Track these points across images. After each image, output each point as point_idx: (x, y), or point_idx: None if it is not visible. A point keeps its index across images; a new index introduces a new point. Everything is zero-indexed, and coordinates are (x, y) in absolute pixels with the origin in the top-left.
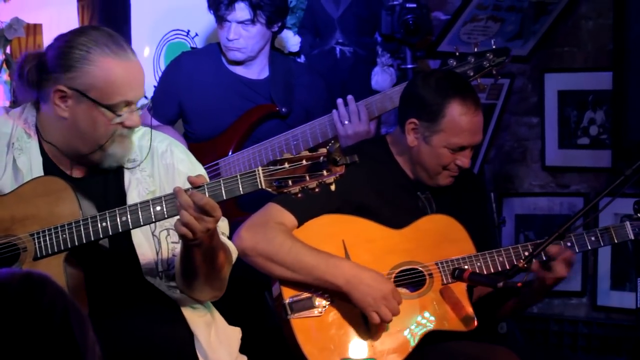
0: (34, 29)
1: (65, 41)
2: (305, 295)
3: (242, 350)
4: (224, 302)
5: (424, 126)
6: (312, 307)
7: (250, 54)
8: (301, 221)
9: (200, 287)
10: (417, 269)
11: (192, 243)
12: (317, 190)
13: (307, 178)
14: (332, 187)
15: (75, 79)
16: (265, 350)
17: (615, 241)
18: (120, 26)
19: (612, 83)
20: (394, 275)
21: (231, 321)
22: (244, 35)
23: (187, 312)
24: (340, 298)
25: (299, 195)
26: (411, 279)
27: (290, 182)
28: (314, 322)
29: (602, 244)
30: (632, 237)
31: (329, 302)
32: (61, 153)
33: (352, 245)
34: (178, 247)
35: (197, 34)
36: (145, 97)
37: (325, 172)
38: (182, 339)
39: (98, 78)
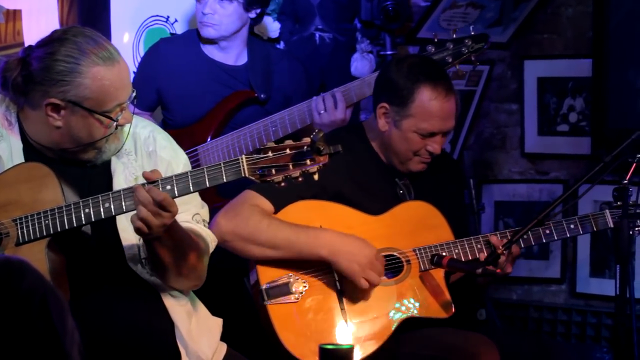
0: (14, 15)
1: (50, 53)
2: (282, 281)
3: (223, 338)
4: (204, 290)
5: (395, 110)
6: (289, 293)
7: (223, 33)
8: (277, 207)
9: (173, 278)
10: (395, 255)
11: (149, 237)
12: (300, 179)
13: (291, 167)
14: (316, 177)
15: (67, 92)
16: (245, 337)
17: (595, 229)
18: (99, 12)
19: (592, 70)
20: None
21: (212, 309)
22: (220, 12)
23: (168, 301)
24: (317, 282)
25: (282, 184)
26: (389, 266)
27: (273, 171)
28: (291, 308)
29: (581, 232)
30: (612, 225)
31: (306, 288)
32: (48, 149)
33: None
34: None
35: (176, 20)
36: (133, 90)
37: (308, 162)
38: (163, 329)
39: (91, 89)
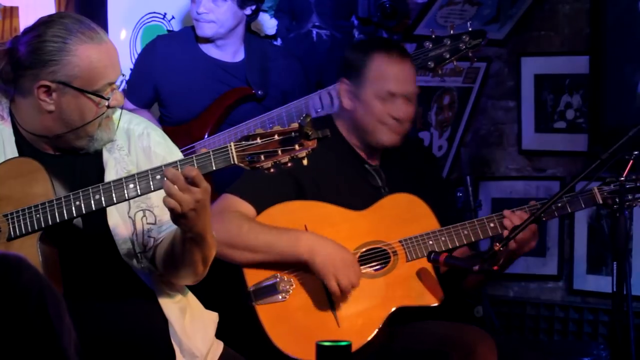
0: (10, 12)
1: (37, 35)
2: (269, 281)
3: (219, 334)
4: (200, 285)
5: (354, 83)
6: (276, 292)
7: (219, 30)
8: (258, 208)
9: (191, 276)
10: (381, 248)
11: (182, 221)
12: (289, 164)
13: (280, 153)
14: (305, 162)
15: (57, 72)
16: (242, 333)
17: (583, 207)
18: (96, 9)
19: (589, 67)
20: (358, 255)
21: (208, 304)
22: (214, 11)
23: (162, 298)
24: (303, 281)
25: (272, 170)
26: (375, 259)
27: (262, 157)
28: (279, 308)
29: (569, 210)
30: (601, 202)
31: (292, 287)
32: (41, 138)
33: (314, 231)
34: (154, 228)
35: (173, 17)
36: (122, 74)
37: (297, 147)
38: (157, 327)
39: (80, 67)
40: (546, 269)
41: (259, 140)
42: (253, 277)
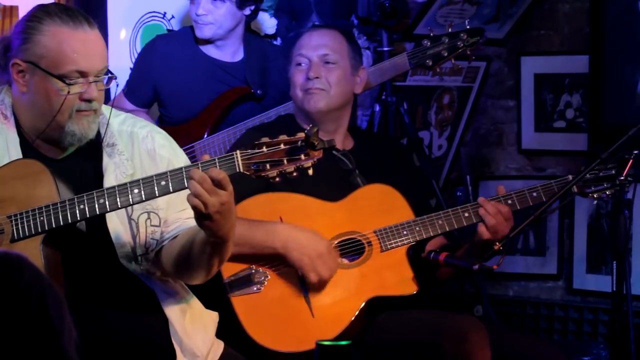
0: (10, 11)
1: (24, 17)
2: (244, 273)
3: (219, 334)
4: (199, 284)
5: (289, 69)
6: (251, 284)
7: (218, 31)
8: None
9: (197, 276)
10: (356, 238)
11: (207, 223)
12: (295, 174)
13: (285, 162)
14: (310, 172)
15: (28, 51)
16: (242, 333)
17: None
18: (96, 8)
19: (589, 66)
20: (332, 246)
21: (207, 303)
22: (213, 12)
23: (162, 298)
24: (278, 272)
25: (277, 179)
26: (350, 249)
27: (268, 166)
28: (254, 299)
29: (543, 199)
30: (576, 190)
31: (268, 278)
32: (30, 134)
33: (290, 222)
34: (158, 231)
35: (173, 17)
36: (109, 72)
37: (303, 157)
38: (157, 326)
39: (48, 47)
40: (546, 269)
41: (265, 149)
42: (228, 269)
